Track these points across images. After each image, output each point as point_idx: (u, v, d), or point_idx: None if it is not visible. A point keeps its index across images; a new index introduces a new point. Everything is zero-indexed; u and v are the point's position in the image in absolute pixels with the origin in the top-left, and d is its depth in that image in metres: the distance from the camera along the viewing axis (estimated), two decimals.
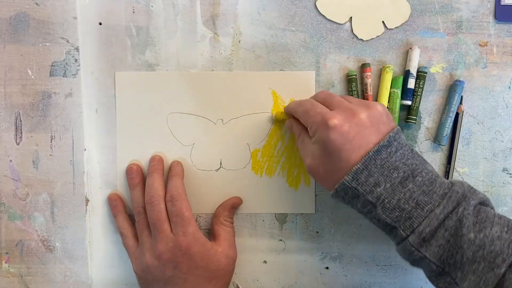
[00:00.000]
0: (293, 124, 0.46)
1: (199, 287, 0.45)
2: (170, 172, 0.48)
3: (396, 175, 0.38)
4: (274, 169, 0.50)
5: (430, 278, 0.40)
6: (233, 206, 0.49)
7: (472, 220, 0.37)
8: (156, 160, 0.49)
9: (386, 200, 0.38)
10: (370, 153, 0.38)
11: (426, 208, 0.37)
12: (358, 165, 0.38)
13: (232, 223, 0.49)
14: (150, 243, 0.46)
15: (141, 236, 0.47)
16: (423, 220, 0.37)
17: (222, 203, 0.49)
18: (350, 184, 0.38)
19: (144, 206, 0.47)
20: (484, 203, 0.39)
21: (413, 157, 0.40)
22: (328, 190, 0.41)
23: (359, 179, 0.38)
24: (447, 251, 0.37)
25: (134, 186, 0.48)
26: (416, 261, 0.39)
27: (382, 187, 0.38)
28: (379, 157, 0.38)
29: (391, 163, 0.38)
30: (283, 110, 0.48)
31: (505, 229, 0.37)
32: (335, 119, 0.39)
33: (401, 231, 0.38)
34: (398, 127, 0.41)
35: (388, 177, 0.38)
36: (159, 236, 0.45)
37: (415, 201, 0.38)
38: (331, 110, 0.41)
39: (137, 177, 0.48)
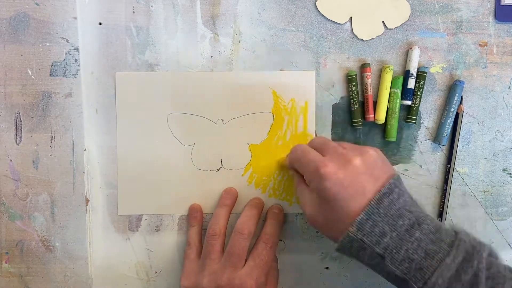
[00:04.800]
0: (293, 172, 0.45)
1: None
2: (270, 214, 0.48)
3: (402, 223, 0.37)
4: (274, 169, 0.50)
5: None
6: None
7: (485, 274, 0.36)
8: (260, 201, 0.49)
9: (394, 251, 0.36)
10: (372, 202, 0.37)
11: (436, 257, 0.36)
12: (361, 215, 0.37)
13: (277, 262, 0.49)
14: (215, 269, 0.44)
15: (207, 257, 0.45)
16: (435, 270, 0.35)
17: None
18: (356, 236, 0.37)
19: (222, 229, 0.46)
20: (491, 253, 0.38)
21: (414, 204, 0.39)
22: (331, 240, 0.41)
23: (364, 229, 0.37)
24: None
25: (223, 205, 0.48)
26: None
27: (388, 236, 0.37)
28: (382, 205, 0.37)
29: (395, 210, 0.37)
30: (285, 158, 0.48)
31: None
32: (328, 167, 0.38)
33: (413, 283, 0.36)
34: (398, 173, 0.40)
35: (393, 226, 0.37)
36: (229, 269, 0.44)
37: (424, 250, 0.36)
38: (324, 156, 0.40)
39: (231, 199, 0.48)
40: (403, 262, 0.36)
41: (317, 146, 0.42)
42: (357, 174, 0.38)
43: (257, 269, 0.44)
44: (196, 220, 0.49)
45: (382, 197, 0.38)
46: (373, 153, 0.40)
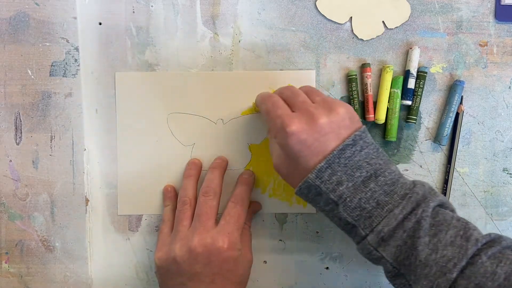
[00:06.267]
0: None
1: None
2: (240, 179, 0.49)
3: (359, 174, 0.38)
4: None
5: (387, 278, 0.40)
6: (253, 211, 0.49)
7: (429, 222, 0.37)
8: (223, 160, 0.49)
9: (348, 199, 0.38)
10: (335, 152, 0.38)
11: (386, 208, 0.38)
12: (322, 164, 0.38)
13: (250, 226, 0.49)
14: (186, 234, 0.44)
15: (178, 225, 0.45)
16: (382, 219, 0.38)
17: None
18: (314, 182, 0.38)
19: (192, 198, 0.46)
20: (443, 205, 0.39)
21: (377, 156, 0.39)
22: (293, 187, 0.41)
23: (323, 177, 0.38)
24: (403, 253, 0.38)
25: (188, 176, 0.48)
26: (375, 260, 0.39)
27: (344, 186, 0.38)
28: (343, 156, 0.38)
29: (355, 162, 0.38)
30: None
31: (461, 233, 0.37)
32: (294, 126, 0.38)
33: (361, 230, 0.39)
34: (365, 126, 0.40)
35: (351, 176, 0.38)
36: (199, 229, 0.44)
37: (375, 201, 0.38)
38: (292, 111, 0.40)
39: (195, 169, 0.48)
40: (355, 209, 0.38)
41: (287, 98, 0.42)
42: (321, 134, 0.38)
43: (228, 225, 0.44)
44: (170, 200, 0.49)
45: (345, 148, 0.38)
46: (342, 111, 0.39)
